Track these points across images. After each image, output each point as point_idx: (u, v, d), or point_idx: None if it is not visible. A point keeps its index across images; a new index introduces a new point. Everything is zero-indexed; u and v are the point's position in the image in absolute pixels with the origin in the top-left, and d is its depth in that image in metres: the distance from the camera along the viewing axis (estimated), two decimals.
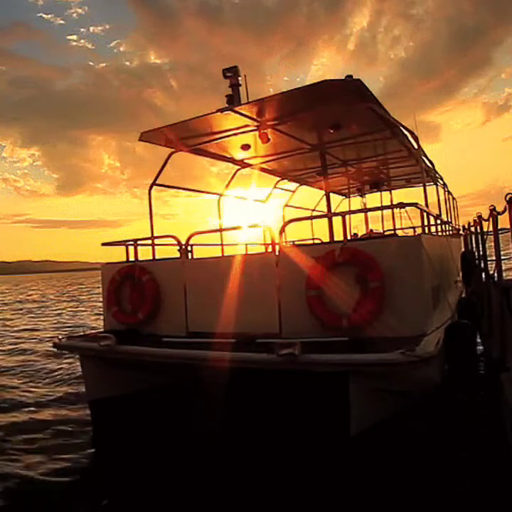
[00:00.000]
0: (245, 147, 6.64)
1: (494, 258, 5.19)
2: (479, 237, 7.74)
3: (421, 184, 5.73)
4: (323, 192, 9.71)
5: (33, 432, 4.60)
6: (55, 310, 20.22)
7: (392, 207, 9.24)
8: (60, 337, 5.16)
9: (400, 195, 11.13)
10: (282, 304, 4.48)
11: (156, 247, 6.06)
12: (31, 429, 4.67)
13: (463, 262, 8.07)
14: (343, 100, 4.84)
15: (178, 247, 5.32)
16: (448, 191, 9.28)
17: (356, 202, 11.60)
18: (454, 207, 10.57)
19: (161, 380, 5.03)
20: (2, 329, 13.86)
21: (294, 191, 10.34)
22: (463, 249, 9.89)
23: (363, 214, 9.62)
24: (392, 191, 11.06)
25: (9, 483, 3.51)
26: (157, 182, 6.26)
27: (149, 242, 6.04)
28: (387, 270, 3.99)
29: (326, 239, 7.19)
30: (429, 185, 7.25)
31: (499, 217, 4.97)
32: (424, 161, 6.65)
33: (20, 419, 5.04)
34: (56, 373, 7.18)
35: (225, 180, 8.05)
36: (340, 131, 6.18)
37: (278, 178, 9.32)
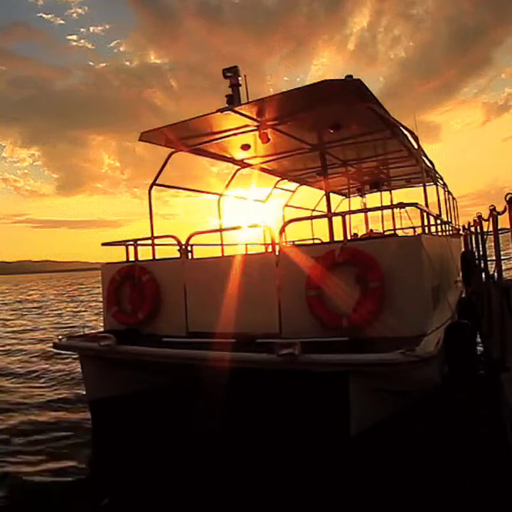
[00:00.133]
0: (245, 147, 6.64)
1: (494, 258, 5.19)
2: (479, 237, 7.75)
3: (421, 184, 5.73)
4: (323, 192, 9.71)
5: (32, 432, 4.60)
6: (55, 310, 20.22)
7: (392, 207, 9.24)
8: (60, 337, 5.16)
9: (399, 195, 11.15)
10: (282, 304, 4.48)
11: (156, 247, 6.06)
12: (30, 430, 4.67)
13: (463, 262, 8.07)
14: (343, 100, 4.84)
15: (178, 247, 5.33)
16: (448, 191, 9.28)
17: (356, 202, 11.62)
18: (454, 207, 10.58)
19: (161, 380, 5.03)
20: (2, 329, 13.86)
21: (294, 191, 10.34)
22: (463, 249, 9.89)
23: (363, 214, 9.62)
24: (392, 191, 11.06)
25: (9, 483, 3.51)
26: (157, 182, 6.27)
27: (149, 242, 6.04)
28: (387, 270, 3.99)
29: (326, 239, 7.19)
30: (429, 185, 7.25)
31: (499, 217, 4.97)
32: (424, 161, 6.65)
33: (20, 419, 5.04)
34: (56, 374, 7.17)
35: (225, 180, 8.06)
36: (340, 131, 6.18)
37: (278, 178, 9.33)
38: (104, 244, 5.98)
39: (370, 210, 10.69)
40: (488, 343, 6.20)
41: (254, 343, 4.06)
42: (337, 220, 6.41)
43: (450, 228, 8.53)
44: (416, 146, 5.83)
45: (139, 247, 5.75)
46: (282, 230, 4.72)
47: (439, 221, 6.21)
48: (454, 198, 10.68)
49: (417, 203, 4.61)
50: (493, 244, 5.34)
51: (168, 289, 5.23)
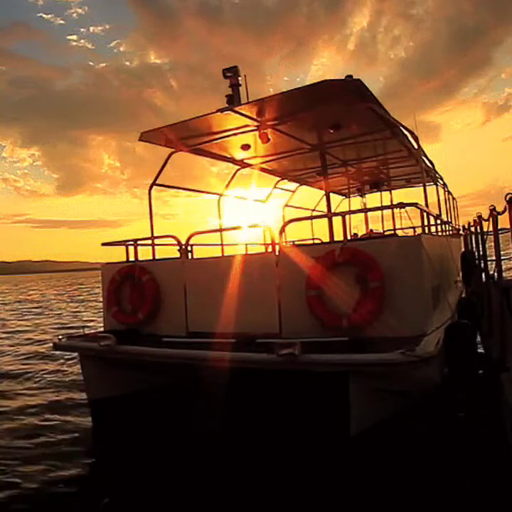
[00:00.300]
0: (245, 147, 6.64)
1: (494, 258, 5.19)
2: (479, 237, 7.74)
3: (421, 184, 5.73)
4: (323, 192, 9.71)
5: (31, 432, 4.60)
6: (55, 310, 20.21)
7: (392, 207, 9.24)
8: (60, 337, 5.16)
9: (399, 195, 11.15)
10: (282, 304, 4.48)
11: (156, 247, 6.06)
12: (30, 430, 4.66)
13: (463, 262, 8.08)
14: (343, 100, 4.84)
15: (178, 247, 5.33)
16: (448, 191, 9.28)
17: (356, 202, 11.62)
18: (454, 207, 10.58)
19: (161, 380, 5.03)
20: (1, 329, 13.86)
21: (294, 191, 10.34)
22: (463, 249, 9.89)
23: (363, 214, 9.62)
24: (392, 191, 11.06)
25: (9, 483, 3.51)
26: (157, 182, 6.27)
27: (149, 242, 6.04)
28: (387, 270, 3.99)
29: (326, 239, 7.19)
30: (429, 185, 7.25)
31: (499, 217, 4.97)
32: (424, 161, 6.65)
33: (19, 420, 5.04)
34: (55, 374, 7.17)
35: (225, 180, 8.06)
36: (340, 131, 6.18)
37: (278, 178, 9.33)
38: (104, 244, 5.98)
39: (370, 210, 10.69)
40: (488, 343, 6.20)
41: (254, 343, 4.06)
42: (337, 220, 6.41)
43: (450, 228, 8.53)
44: (416, 146, 5.83)
45: (139, 247, 5.75)
46: (282, 230, 4.72)
47: (439, 221, 6.21)
48: (454, 198, 10.68)
49: (417, 203, 4.61)
50: (493, 244, 5.34)
51: (168, 289, 5.23)
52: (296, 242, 8.09)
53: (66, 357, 7.91)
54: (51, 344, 5.56)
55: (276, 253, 4.59)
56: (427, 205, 5.04)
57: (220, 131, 6.05)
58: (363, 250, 4.13)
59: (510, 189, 4.32)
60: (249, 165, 7.95)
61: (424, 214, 4.77)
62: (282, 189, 10.02)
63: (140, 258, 5.72)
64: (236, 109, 5.23)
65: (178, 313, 5.07)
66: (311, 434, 3.82)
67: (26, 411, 5.31)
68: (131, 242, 5.73)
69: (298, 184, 10.10)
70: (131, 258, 5.73)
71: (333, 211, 8.77)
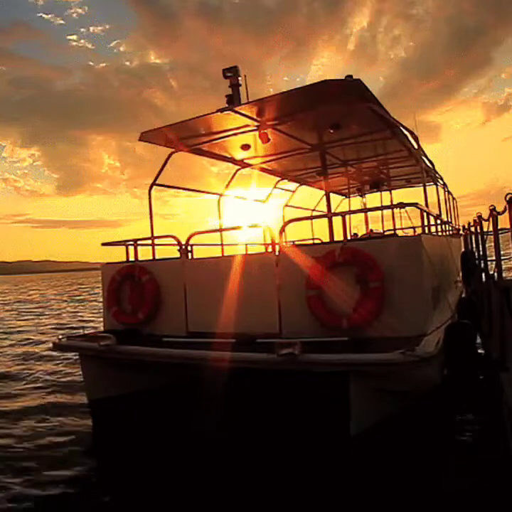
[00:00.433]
0: (245, 147, 6.64)
1: (494, 258, 5.18)
2: (479, 237, 7.74)
3: (421, 184, 5.73)
4: (323, 192, 9.72)
5: (31, 432, 4.59)
6: (55, 310, 20.21)
7: (392, 207, 9.25)
8: (60, 337, 5.16)
9: (399, 195, 11.16)
10: (282, 304, 4.48)
11: (156, 247, 6.06)
12: (29, 430, 4.65)
13: (463, 262, 8.08)
14: (343, 100, 4.84)
15: (178, 247, 5.33)
16: (448, 191, 9.29)
17: (356, 202, 11.62)
18: (454, 207, 10.59)
19: (161, 380, 5.03)
20: (1, 330, 13.85)
21: (294, 191, 10.34)
22: (463, 249, 9.89)
23: (363, 214, 9.62)
24: (392, 191, 11.07)
25: (9, 483, 3.51)
26: (157, 182, 6.27)
27: (149, 242, 6.04)
28: (387, 270, 3.99)
29: (326, 239, 7.19)
30: (429, 185, 7.25)
31: (499, 217, 4.96)
32: (424, 161, 6.65)
33: (19, 420, 5.03)
34: (55, 375, 7.16)
35: (225, 180, 8.06)
36: (340, 131, 6.18)
37: (278, 178, 9.33)
38: (104, 244, 5.98)
39: (370, 210, 10.69)
40: (488, 343, 6.20)
41: (254, 343, 4.06)
42: (337, 220, 6.42)
43: (450, 228, 8.53)
44: (416, 146, 5.83)
45: (139, 247, 5.75)
46: (282, 230, 4.72)
47: (439, 221, 6.21)
48: (454, 198, 10.69)
49: (417, 203, 4.62)
50: (493, 244, 5.33)
51: (168, 289, 5.23)
52: (296, 242, 8.10)
53: (63, 357, 7.90)
54: (51, 344, 5.55)
55: (276, 253, 4.59)
56: (427, 205, 5.04)
57: (220, 131, 6.05)
58: (363, 250, 4.13)
59: (510, 189, 4.32)
60: (249, 165, 7.95)
61: (424, 214, 4.78)
62: (282, 189, 10.03)
63: (140, 258, 5.72)
64: (236, 109, 5.23)
65: (178, 313, 5.07)
66: (311, 434, 3.81)
67: (26, 411, 5.30)
68: (131, 242, 5.74)
69: (298, 184, 10.11)
70: (131, 258, 5.74)
71: (333, 211, 8.78)
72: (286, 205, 10.38)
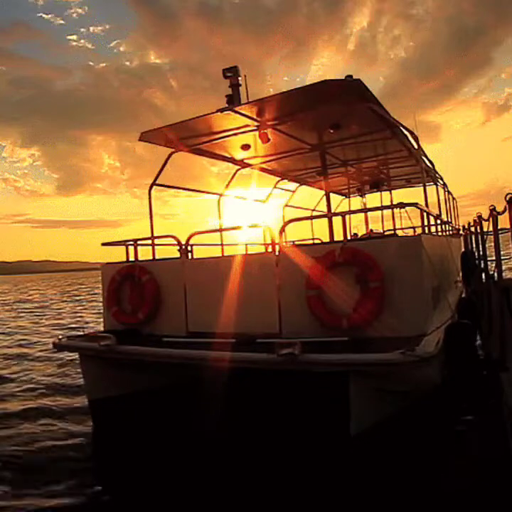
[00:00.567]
0: (245, 147, 6.64)
1: (494, 258, 5.18)
2: (479, 237, 7.74)
3: (421, 184, 5.73)
4: (323, 192, 9.72)
5: (30, 432, 4.60)
6: (55, 310, 20.21)
7: (392, 207, 9.25)
8: (60, 337, 5.15)
9: (399, 195, 11.16)
10: (282, 304, 4.48)
11: (156, 247, 6.06)
12: (28, 430, 4.66)
13: (463, 262, 8.08)
14: (343, 100, 4.84)
15: (178, 247, 5.33)
16: (448, 191, 9.29)
17: (356, 202, 11.63)
18: (454, 207, 10.59)
19: (161, 380, 5.03)
20: (1, 330, 13.85)
21: (294, 191, 10.35)
22: (463, 249, 9.90)
23: (363, 214, 9.62)
24: (392, 191, 11.07)
25: (9, 482, 3.51)
26: (157, 182, 6.27)
27: (149, 242, 6.04)
28: (387, 270, 3.99)
29: (326, 239, 7.19)
30: (429, 185, 7.25)
31: (499, 217, 4.96)
32: (424, 161, 6.65)
33: (19, 420, 5.03)
34: (55, 374, 7.17)
35: (225, 180, 8.06)
36: (340, 131, 6.18)
37: (278, 178, 9.33)
38: (104, 244, 5.98)
39: (370, 210, 10.69)
40: (488, 343, 6.20)
41: (254, 343, 4.06)
42: (337, 220, 6.42)
43: (450, 228, 8.54)
44: (416, 146, 5.83)
45: (139, 247, 5.75)
46: (282, 230, 4.72)
47: (439, 221, 6.21)
48: (454, 198, 10.69)
49: (417, 203, 4.62)
50: (493, 244, 5.33)
51: (168, 289, 5.23)
52: (296, 242, 8.10)
53: (63, 357, 7.90)
54: (50, 344, 5.55)
55: (276, 253, 4.59)
56: (427, 205, 5.04)
57: (220, 131, 6.05)
58: (363, 250, 4.13)
59: (510, 189, 4.32)
60: (249, 165, 7.96)
61: (424, 214, 4.78)
62: (282, 189, 10.03)
63: (140, 258, 5.72)
64: (236, 109, 5.23)
65: (178, 313, 5.07)
66: (311, 434, 3.81)
67: (25, 412, 5.31)
68: (131, 242, 5.73)
69: (298, 184, 10.11)
70: (131, 258, 5.73)
71: (333, 211, 8.78)
72: (286, 205, 10.38)
